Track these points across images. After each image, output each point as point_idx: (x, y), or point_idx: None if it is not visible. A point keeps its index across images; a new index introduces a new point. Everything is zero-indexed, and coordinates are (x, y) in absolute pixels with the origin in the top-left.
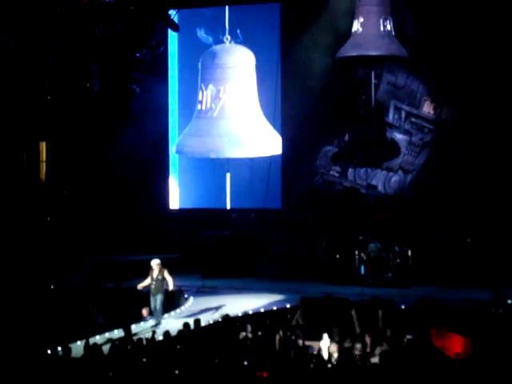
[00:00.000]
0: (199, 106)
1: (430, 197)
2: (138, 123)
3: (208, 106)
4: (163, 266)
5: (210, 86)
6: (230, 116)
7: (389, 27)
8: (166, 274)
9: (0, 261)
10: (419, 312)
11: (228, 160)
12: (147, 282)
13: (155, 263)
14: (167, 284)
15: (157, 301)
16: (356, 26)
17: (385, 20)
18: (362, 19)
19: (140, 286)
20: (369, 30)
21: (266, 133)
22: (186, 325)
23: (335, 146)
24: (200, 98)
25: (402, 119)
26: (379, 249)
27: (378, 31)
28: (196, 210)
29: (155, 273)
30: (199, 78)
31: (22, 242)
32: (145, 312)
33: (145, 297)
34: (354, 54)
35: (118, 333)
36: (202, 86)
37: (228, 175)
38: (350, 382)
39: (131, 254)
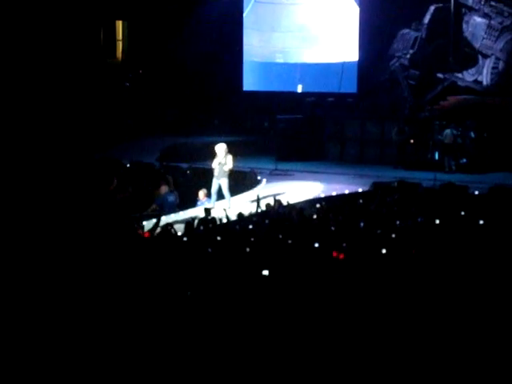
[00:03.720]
0: None
1: (507, 81)
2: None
3: None
4: (235, 148)
5: None
6: (304, 1)
7: None
8: (229, 159)
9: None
10: (492, 198)
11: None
12: (213, 164)
13: (220, 148)
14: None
15: (221, 184)
16: None
17: None
18: None
19: (214, 165)
20: None
21: (348, 28)
22: (258, 205)
23: (413, 29)
24: None
25: (482, 2)
26: (455, 134)
27: None
28: (270, 93)
29: (220, 157)
30: None
31: (97, 120)
32: (201, 194)
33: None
34: None
35: (192, 212)
36: None
37: (300, 87)
38: None
39: (205, 135)
